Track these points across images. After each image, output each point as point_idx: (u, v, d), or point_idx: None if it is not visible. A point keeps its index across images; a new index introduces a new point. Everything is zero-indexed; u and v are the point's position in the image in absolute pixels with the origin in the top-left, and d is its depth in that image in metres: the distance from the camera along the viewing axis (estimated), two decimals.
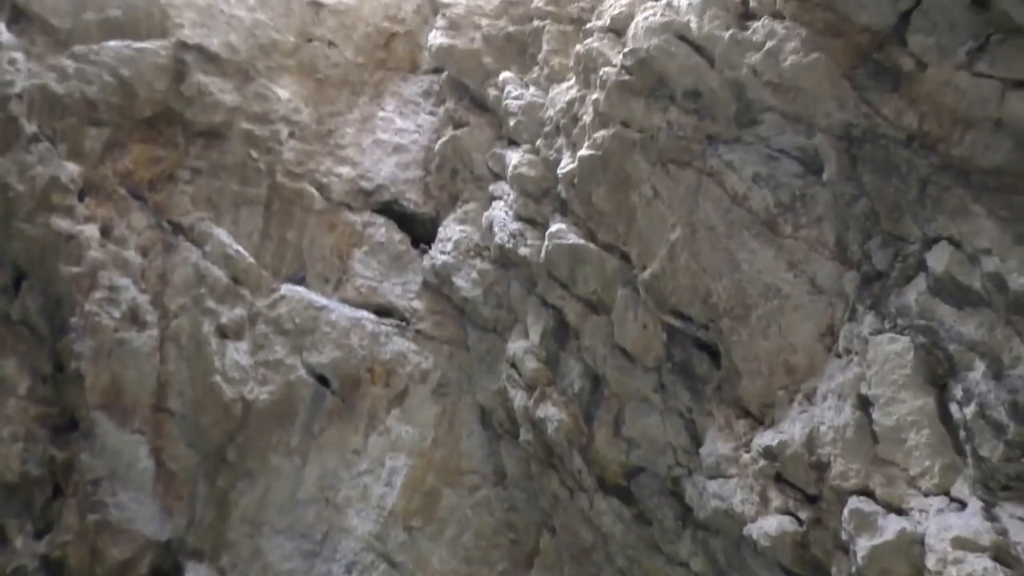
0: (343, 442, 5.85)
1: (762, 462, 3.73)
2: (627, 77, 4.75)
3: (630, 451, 4.73)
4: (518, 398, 5.27)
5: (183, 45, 6.50)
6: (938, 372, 3.12)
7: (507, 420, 5.66)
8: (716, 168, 4.30)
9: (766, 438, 3.76)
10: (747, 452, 3.89)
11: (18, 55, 6.12)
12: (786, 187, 3.99)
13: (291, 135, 6.55)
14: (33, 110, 6.01)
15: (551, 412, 4.97)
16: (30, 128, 5.95)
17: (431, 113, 6.96)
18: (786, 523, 3.57)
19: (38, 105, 6.04)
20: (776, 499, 3.68)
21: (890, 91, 3.50)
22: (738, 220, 4.13)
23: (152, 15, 6.57)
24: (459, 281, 5.87)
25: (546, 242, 5.15)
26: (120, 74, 6.25)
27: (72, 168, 6.03)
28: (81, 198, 6.05)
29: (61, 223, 5.90)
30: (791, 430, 3.63)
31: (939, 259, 3.19)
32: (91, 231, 5.97)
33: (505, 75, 6.42)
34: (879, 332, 3.35)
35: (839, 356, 3.59)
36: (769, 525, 3.61)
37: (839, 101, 3.63)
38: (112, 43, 6.36)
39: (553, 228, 5.14)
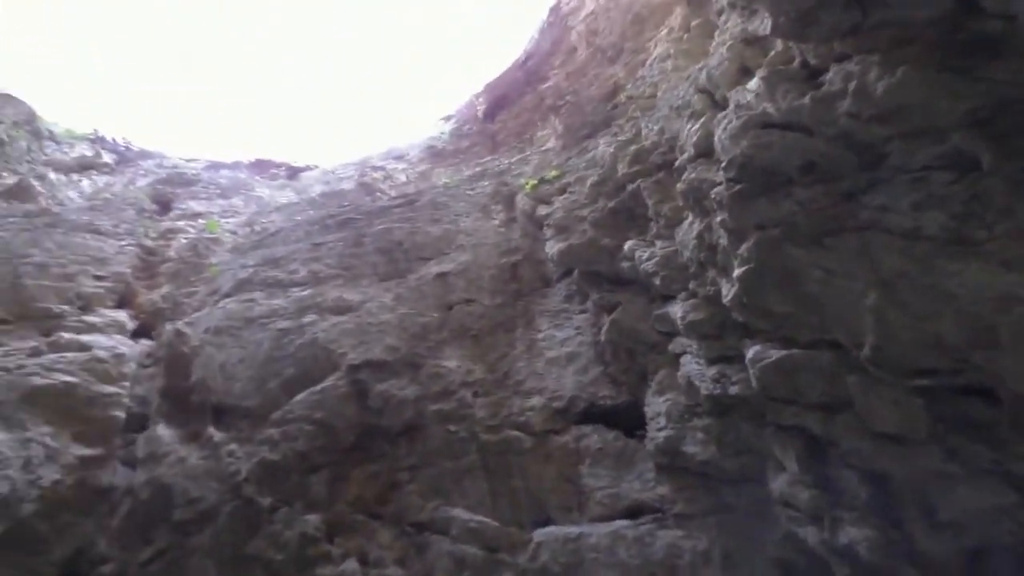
0: None
1: None
2: (739, 186, 4.72)
3: (960, 536, 4.07)
4: (810, 535, 4.76)
5: (353, 368, 7.11)
6: None
7: (809, 564, 5.11)
8: (872, 218, 4.07)
9: None
10: None
11: (233, 446, 6.89)
12: (951, 198, 3.71)
13: (475, 395, 6.83)
14: (263, 485, 6.61)
15: (853, 534, 4.39)
16: (265, 502, 6.52)
17: (582, 312, 7.14)
18: None
19: (264, 478, 6.64)
20: None
21: (995, 58, 3.31)
22: (926, 253, 3.82)
23: (318, 358, 7.32)
24: (689, 448, 5.63)
25: (751, 370, 4.89)
26: (316, 419, 6.85)
27: (313, 518, 6.45)
28: (331, 540, 6.42)
29: (324, 571, 6.23)
30: None
31: None
32: (351, 566, 6.24)
33: (629, 244, 6.55)
34: None
35: None
36: None
37: (951, 95, 3.45)
38: (299, 397, 7.05)
39: (750, 353, 4.88)
